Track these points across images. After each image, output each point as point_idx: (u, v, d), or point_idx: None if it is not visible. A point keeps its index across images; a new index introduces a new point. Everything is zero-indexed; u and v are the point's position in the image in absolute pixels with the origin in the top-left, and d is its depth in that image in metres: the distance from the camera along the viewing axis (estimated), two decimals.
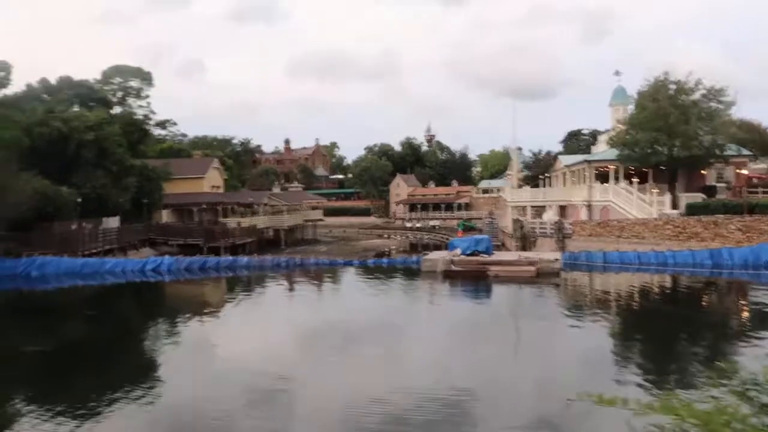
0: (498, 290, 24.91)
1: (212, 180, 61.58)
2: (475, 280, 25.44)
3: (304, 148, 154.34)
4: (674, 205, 38.82)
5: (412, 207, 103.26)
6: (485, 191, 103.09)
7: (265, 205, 61.48)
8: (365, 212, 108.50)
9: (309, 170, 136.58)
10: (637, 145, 39.08)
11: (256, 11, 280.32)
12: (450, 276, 26.23)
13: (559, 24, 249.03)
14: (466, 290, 24.93)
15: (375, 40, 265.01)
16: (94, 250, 36.99)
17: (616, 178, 43.36)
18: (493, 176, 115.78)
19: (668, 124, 37.23)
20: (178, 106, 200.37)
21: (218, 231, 47.21)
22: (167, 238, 47.77)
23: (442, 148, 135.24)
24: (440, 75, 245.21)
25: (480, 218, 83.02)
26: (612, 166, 43.18)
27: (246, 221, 54.66)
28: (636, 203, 38.96)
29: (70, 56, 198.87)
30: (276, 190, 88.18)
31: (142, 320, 23.25)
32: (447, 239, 51.45)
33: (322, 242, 65.49)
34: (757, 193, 39.33)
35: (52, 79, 46.82)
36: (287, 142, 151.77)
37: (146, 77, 78.06)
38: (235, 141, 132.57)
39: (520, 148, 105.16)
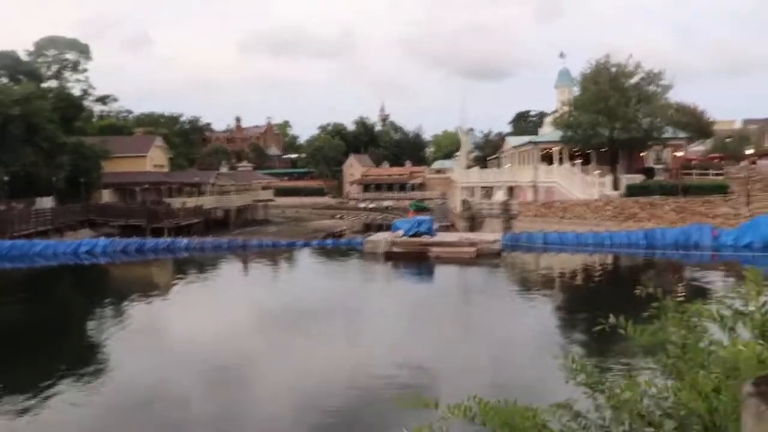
0: (436, 271, 25.00)
1: (155, 159, 59.60)
2: (416, 262, 25.45)
3: (257, 126, 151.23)
4: (615, 186, 39.76)
5: (366, 187, 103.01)
6: (438, 171, 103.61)
7: (213, 185, 59.97)
8: (319, 192, 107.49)
9: (261, 149, 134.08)
10: (579, 126, 39.77)
11: None
12: (391, 257, 26.15)
13: (515, 4, 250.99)
14: (403, 271, 24.96)
15: (332, 16, 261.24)
16: (25, 232, 35.27)
17: (561, 160, 44.10)
18: (446, 157, 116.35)
19: (608, 107, 37.96)
20: (124, 81, 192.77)
21: (161, 212, 45.82)
22: (108, 219, 46.04)
23: (396, 128, 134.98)
24: (397, 54, 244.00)
25: (432, 199, 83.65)
26: (556, 148, 43.86)
27: (192, 201, 53.24)
28: (579, 184, 39.71)
29: (4, 26, 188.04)
30: (224, 169, 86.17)
31: (80, 303, 22.40)
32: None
33: (272, 223, 64.49)
34: (691, 174, 40.72)
35: None
36: (238, 120, 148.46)
37: (83, 50, 74.38)
38: (183, 118, 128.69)
39: (471, 129, 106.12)
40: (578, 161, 41.03)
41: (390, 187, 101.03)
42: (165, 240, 34.05)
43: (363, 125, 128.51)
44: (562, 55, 54.63)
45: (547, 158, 45.95)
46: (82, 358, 13.71)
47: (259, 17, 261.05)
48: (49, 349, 14.72)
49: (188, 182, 55.77)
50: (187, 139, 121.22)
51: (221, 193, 61.83)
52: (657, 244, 26.77)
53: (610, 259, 27.42)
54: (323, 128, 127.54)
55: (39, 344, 15.26)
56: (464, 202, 45.35)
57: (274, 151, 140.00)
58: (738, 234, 25.98)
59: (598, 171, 40.20)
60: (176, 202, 51.36)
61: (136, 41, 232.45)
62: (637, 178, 39.45)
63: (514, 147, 51.51)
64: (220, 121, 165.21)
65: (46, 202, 42.18)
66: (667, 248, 26.28)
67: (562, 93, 52.53)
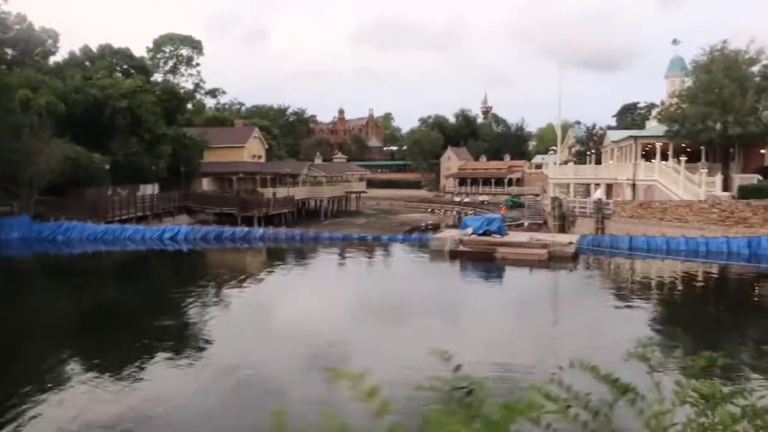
0: (497, 273, 23.43)
1: (253, 149, 61.98)
2: (482, 262, 24.15)
3: (360, 118, 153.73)
4: (726, 187, 35.76)
5: (462, 181, 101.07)
6: (538, 166, 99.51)
7: (306, 176, 61.35)
8: (416, 185, 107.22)
9: (361, 141, 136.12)
10: (686, 120, 36.01)
11: None
12: (457, 256, 25.03)
13: None
14: (461, 271, 23.72)
15: (440, 5, 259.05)
16: (125, 217, 37.93)
17: (665, 156, 40.33)
18: (548, 151, 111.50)
19: (722, 98, 34.00)
20: (241, 75, 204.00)
21: (251, 201, 47.50)
22: (204, 206, 48.56)
23: (498, 120, 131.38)
24: (504, 44, 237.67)
25: (530, 195, 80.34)
26: (659, 143, 40.13)
27: (283, 192, 54.78)
28: (683, 183, 36.09)
29: (139, 26, 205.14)
30: (318, 161, 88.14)
31: (173, 286, 23.79)
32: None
33: (363, 214, 65.02)
34: None
35: (94, 47, 48.03)
36: (341, 112, 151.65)
37: (196, 45, 79.29)
38: (290, 110, 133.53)
39: (578, 122, 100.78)
40: (683, 158, 37.21)
41: (486, 181, 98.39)
42: (242, 229, 35.14)
43: (464, 117, 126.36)
44: (675, 42, 49.68)
45: (651, 155, 42.24)
46: (188, 335, 15.36)
47: (369, 9, 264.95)
48: (154, 326, 16.35)
49: (281, 173, 57.38)
50: (293, 131, 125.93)
51: (314, 184, 63.15)
52: (763, 254, 23.45)
53: (703, 270, 24.37)
54: (424, 120, 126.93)
55: (142, 322, 16.83)
56: (554, 199, 42.77)
57: (374, 142, 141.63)
58: None
59: (705, 169, 36.26)
60: (268, 192, 53.08)
61: (254, 36, 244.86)
62: (753, 179, 35.13)
63: (614, 141, 47.86)
64: (327, 113, 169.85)
65: (150, 189, 45.17)
66: None
67: (672, 83, 48.07)
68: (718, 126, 35.21)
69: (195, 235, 33.19)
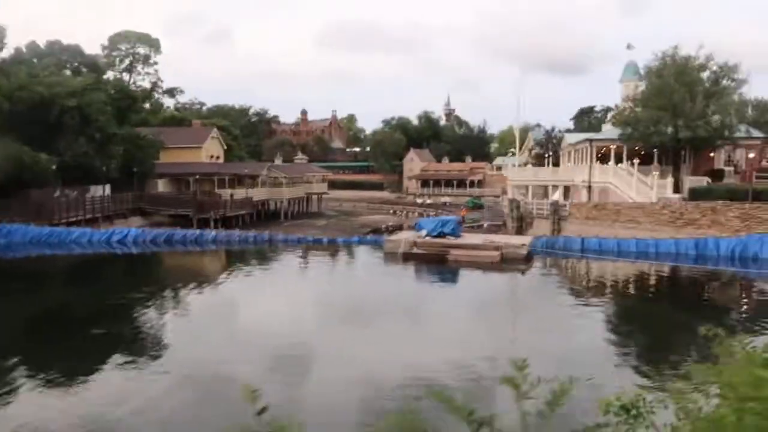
0: (448, 276, 23.31)
1: (211, 150, 60.74)
2: (434, 264, 24.02)
3: (323, 120, 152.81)
4: (677, 189, 36.63)
5: (425, 182, 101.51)
6: (499, 168, 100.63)
7: (264, 177, 60.37)
8: (378, 186, 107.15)
9: (324, 142, 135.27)
10: (639, 123, 36.77)
11: None
12: (410, 258, 24.84)
13: None
14: (409, 274, 23.53)
15: (405, 9, 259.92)
16: (73, 219, 36.54)
17: (619, 159, 41.12)
18: (507, 153, 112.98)
19: (672, 103, 34.80)
20: (204, 75, 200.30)
21: (207, 202, 46.47)
22: (158, 208, 47.28)
23: (461, 122, 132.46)
24: (468, 48, 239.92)
25: (491, 196, 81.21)
26: (614, 146, 40.89)
27: (241, 193, 53.82)
28: (636, 186, 36.82)
29: (100, 23, 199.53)
30: (279, 161, 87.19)
31: (120, 291, 22.93)
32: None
33: (324, 216, 64.39)
34: (767, 178, 36.74)
35: (42, 43, 46.19)
36: (304, 113, 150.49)
37: (153, 43, 77.23)
38: (252, 111, 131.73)
39: (538, 125, 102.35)
40: (636, 161, 38.00)
41: (449, 183, 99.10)
42: (194, 232, 34.27)
43: (427, 119, 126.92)
44: (629, 47, 50.63)
45: (606, 157, 43.03)
46: (146, 338, 15.14)
47: (333, 11, 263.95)
48: (109, 331, 15.98)
49: (240, 173, 56.37)
50: (254, 131, 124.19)
51: (274, 186, 62.25)
52: (709, 255, 23.98)
53: (651, 270, 24.77)
54: (387, 122, 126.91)
55: (97, 327, 16.33)
56: (512, 201, 43.19)
57: (337, 144, 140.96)
58: None
59: (657, 172, 37.07)
60: (226, 194, 52.04)
61: (217, 35, 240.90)
62: (703, 181, 36.10)
63: (571, 144, 48.64)
64: (291, 114, 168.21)
65: (101, 191, 43.66)
66: (721, 260, 23.46)
67: (627, 88, 49.05)
68: (670, 129, 36.05)
69: (144, 237, 32.17)
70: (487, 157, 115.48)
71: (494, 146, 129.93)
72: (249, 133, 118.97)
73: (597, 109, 79.41)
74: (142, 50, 77.39)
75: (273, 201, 60.15)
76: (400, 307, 18.39)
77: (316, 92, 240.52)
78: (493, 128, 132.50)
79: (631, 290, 22.42)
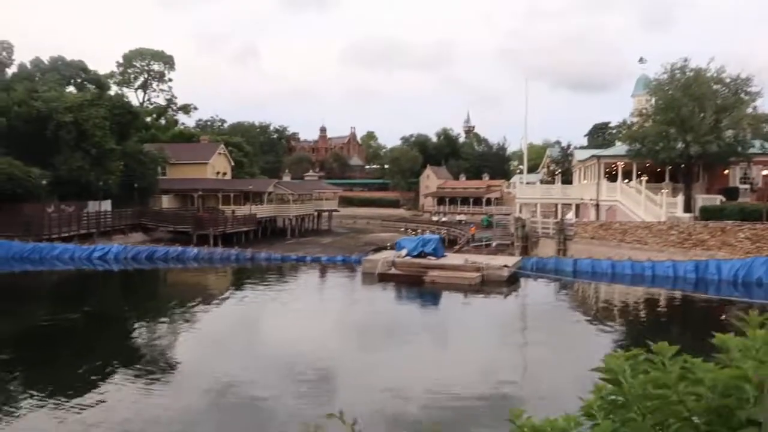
0: (420, 299, 21.63)
1: (217, 166, 60.49)
2: (411, 285, 22.57)
3: (342, 137, 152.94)
4: (688, 208, 34.68)
5: (441, 200, 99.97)
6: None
7: (270, 193, 59.76)
8: (395, 204, 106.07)
9: (342, 159, 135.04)
10: (646, 138, 35.00)
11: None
12: (386, 279, 23.45)
13: (619, 13, 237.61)
14: (377, 296, 21.93)
15: (428, 27, 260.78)
16: (66, 234, 36.19)
17: (628, 176, 39.31)
18: (531, 170, 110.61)
19: (680, 117, 33.02)
20: (230, 93, 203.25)
21: (207, 219, 45.91)
22: (159, 224, 46.93)
23: (480, 140, 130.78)
24: (491, 66, 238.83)
25: (501, 214, 79.37)
26: (621, 163, 39.10)
27: (244, 209, 53.22)
28: (644, 204, 34.98)
29: (132, 40, 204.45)
30: (287, 178, 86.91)
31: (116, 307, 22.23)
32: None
33: (332, 233, 63.39)
34: None
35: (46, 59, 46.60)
36: (323, 130, 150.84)
37: (168, 61, 78.13)
38: (272, 128, 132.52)
39: (558, 142, 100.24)
40: (645, 178, 36.16)
41: (465, 200, 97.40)
42: (175, 249, 33.54)
43: (446, 136, 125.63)
44: (641, 61, 48.96)
45: (616, 174, 41.22)
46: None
47: (356, 30, 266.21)
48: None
49: (243, 190, 55.88)
50: (273, 148, 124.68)
51: (282, 202, 61.58)
52: (710, 279, 22.09)
53: (643, 296, 22.76)
54: (406, 139, 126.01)
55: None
56: (518, 219, 41.52)
57: (356, 161, 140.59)
58: None
59: (666, 190, 35.19)
60: (228, 210, 51.50)
61: (242, 54, 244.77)
62: (716, 199, 34.07)
63: (580, 161, 46.87)
64: (312, 132, 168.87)
65: (101, 206, 43.41)
66: (723, 284, 21.54)
67: (638, 102, 47.23)
68: (679, 145, 34.21)
69: (126, 254, 31.55)
70: (506, 175, 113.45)
71: (513, 164, 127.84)
72: (268, 150, 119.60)
73: (612, 125, 77.28)
74: (156, 67, 78.33)
75: (280, 218, 59.44)
76: (360, 332, 17.05)
77: (338, 109, 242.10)
78: (514, 145, 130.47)
79: (612, 325, 19.98)
